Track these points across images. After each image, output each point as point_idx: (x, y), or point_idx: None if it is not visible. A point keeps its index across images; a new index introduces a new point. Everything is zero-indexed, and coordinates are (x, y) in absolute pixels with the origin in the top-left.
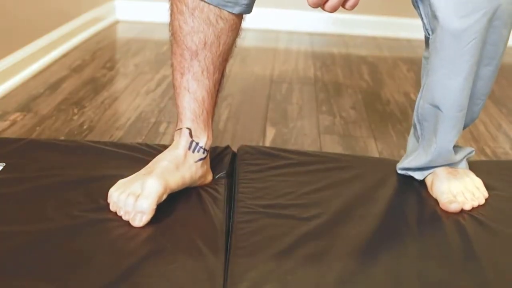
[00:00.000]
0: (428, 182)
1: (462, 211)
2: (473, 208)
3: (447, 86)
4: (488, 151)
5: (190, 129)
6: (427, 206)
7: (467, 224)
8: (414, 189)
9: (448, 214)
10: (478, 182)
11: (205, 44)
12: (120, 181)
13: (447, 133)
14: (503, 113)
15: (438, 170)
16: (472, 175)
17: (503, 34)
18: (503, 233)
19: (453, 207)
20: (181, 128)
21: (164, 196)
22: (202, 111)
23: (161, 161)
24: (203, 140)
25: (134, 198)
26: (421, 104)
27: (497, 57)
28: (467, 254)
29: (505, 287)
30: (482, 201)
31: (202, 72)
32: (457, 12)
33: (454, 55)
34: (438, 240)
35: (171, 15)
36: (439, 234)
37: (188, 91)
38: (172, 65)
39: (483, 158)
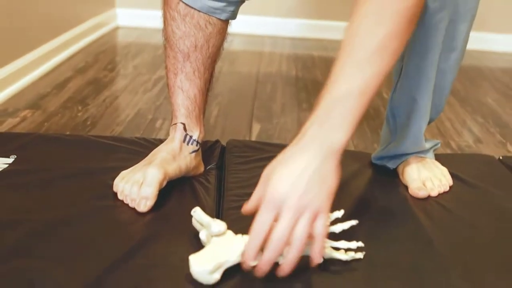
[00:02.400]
0: (399, 170)
1: (430, 197)
2: (439, 195)
3: (419, 77)
4: (453, 145)
5: (184, 124)
6: (398, 192)
7: (433, 210)
8: (386, 178)
9: (417, 200)
10: (444, 170)
11: (195, 47)
12: (123, 172)
13: (420, 121)
14: (467, 111)
15: (409, 159)
16: (438, 164)
17: (461, 29)
18: (465, 219)
19: (422, 194)
20: (176, 123)
21: (164, 183)
22: (194, 108)
23: (159, 153)
24: (196, 133)
25: (138, 186)
26: (396, 97)
27: (456, 50)
28: (431, 238)
29: (464, 270)
30: (447, 188)
31: (194, 73)
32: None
33: (426, 42)
34: (408, 225)
35: (164, 21)
36: (408, 219)
37: (182, 90)
38: (166, 67)
39: (448, 151)
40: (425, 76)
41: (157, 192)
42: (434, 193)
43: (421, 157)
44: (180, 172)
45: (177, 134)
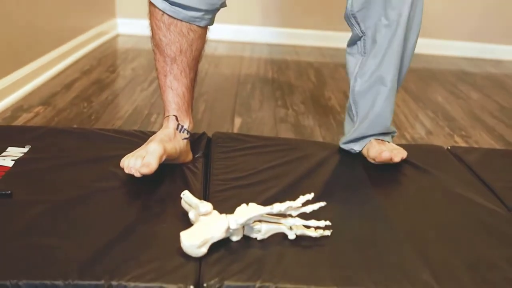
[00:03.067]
0: (364, 152)
1: (388, 181)
2: (395, 178)
3: (389, 61)
4: (408, 136)
5: (176, 116)
6: (360, 177)
7: (390, 192)
8: (351, 163)
9: (377, 183)
10: (402, 149)
11: (181, 51)
12: (128, 154)
13: (388, 101)
14: (420, 107)
15: (372, 141)
16: (396, 146)
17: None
18: (418, 200)
19: (384, 155)
20: (169, 116)
21: (163, 158)
22: (184, 103)
23: (157, 136)
24: (186, 123)
25: (141, 158)
26: (359, 83)
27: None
28: (388, 216)
29: (416, 242)
30: (405, 156)
31: (181, 73)
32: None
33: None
34: (369, 205)
35: (151, 30)
36: (369, 200)
37: (171, 88)
38: (156, 69)
39: (403, 141)
40: (392, 51)
41: (158, 161)
42: (396, 159)
43: (382, 140)
44: (175, 152)
45: (170, 124)
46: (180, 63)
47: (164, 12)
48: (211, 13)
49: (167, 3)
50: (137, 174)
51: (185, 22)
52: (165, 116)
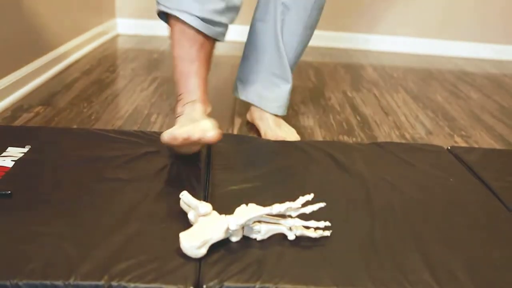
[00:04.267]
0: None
1: (386, 181)
2: (396, 179)
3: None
4: (408, 136)
5: (201, 100)
6: (360, 178)
7: (389, 192)
8: (350, 163)
9: (376, 183)
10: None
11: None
12: (168, 130)
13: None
14: (419, 107)
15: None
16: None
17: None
18: (418, 199)
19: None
20: (195, 100)
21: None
22: (206, 90)
23: (195, 113)
24: (208, 109)
25: (198, 125)
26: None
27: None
28: (387, 216)
29: (415, 241)
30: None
31: (206, 60)
32: None
33: None
34: (369, 206)
35: (173, 43)
36: (368, 200)
37: (197, 74)
38: (178, 57)
39: (403, 141)
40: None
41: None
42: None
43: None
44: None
45: (197, 107)
46: (206, 51)
47: (196, 28)
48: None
49: (200, 20)
50: (200, 139)
51: (211, 38)
52: (188, 101)
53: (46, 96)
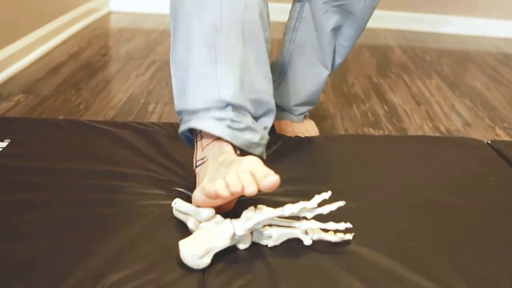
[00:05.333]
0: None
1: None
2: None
3: None
4: (442, 128)
5: None
6: (388, 170)
7: (423, 193)
8: (377, 157)
9: (410, 183)
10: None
11: None
12: (201, 185)
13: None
14: (456, 95)
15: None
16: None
17: None
18: (454, 203)
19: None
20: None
21: None
22: None
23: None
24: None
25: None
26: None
27: None
28: (420, 219)
29: (451, 251)
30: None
31: None
32: None
33: None
34: (397, 205)
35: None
36: (396, 199)
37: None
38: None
39: (437, 134)
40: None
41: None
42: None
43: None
44: None
45: (224, 144)
46: None
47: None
48: None
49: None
50: (247, 190)
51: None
52: (211, 140)
53: (28, 82)
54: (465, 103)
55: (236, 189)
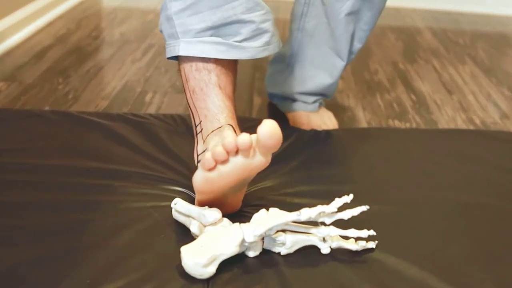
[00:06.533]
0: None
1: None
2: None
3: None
4: (477, 121)
5: (232, 126)
6: (416, 169)
7: (453, 195)
8: (401, 157)
9: (441, 185)
10: (330, 114)
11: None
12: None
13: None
14: (492, 83)
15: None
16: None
17: None
18: (490, 206)
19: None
20: (221, 126)
21: None
22: (232, 110)
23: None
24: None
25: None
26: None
27: None
28: (451, 226)
29: (487, 260)
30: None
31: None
32: None
33: None
34: (426, 211)
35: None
36: (425, 204)
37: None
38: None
39: (471, 127)
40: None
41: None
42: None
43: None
44: None
45: (226, 133)
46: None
47: None
48: None
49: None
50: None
51: None
52: (212, 130)
53: (9, 69)
54: (503, 92)
55: (230, 144)
